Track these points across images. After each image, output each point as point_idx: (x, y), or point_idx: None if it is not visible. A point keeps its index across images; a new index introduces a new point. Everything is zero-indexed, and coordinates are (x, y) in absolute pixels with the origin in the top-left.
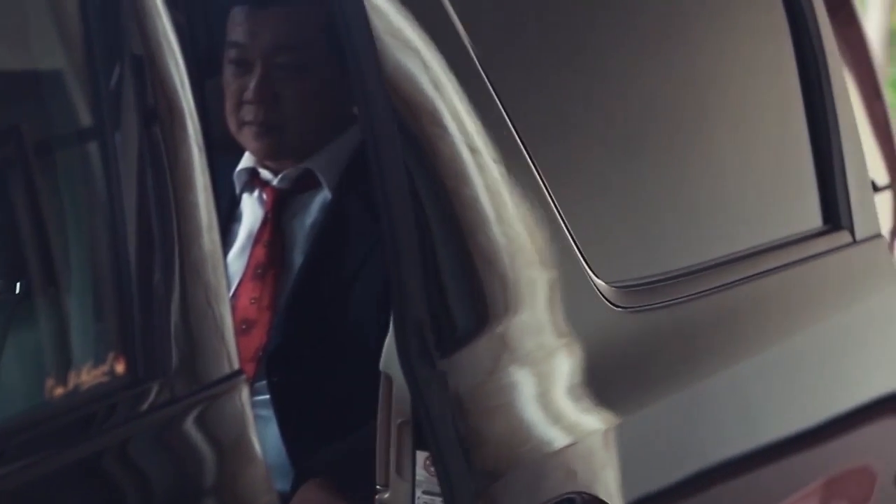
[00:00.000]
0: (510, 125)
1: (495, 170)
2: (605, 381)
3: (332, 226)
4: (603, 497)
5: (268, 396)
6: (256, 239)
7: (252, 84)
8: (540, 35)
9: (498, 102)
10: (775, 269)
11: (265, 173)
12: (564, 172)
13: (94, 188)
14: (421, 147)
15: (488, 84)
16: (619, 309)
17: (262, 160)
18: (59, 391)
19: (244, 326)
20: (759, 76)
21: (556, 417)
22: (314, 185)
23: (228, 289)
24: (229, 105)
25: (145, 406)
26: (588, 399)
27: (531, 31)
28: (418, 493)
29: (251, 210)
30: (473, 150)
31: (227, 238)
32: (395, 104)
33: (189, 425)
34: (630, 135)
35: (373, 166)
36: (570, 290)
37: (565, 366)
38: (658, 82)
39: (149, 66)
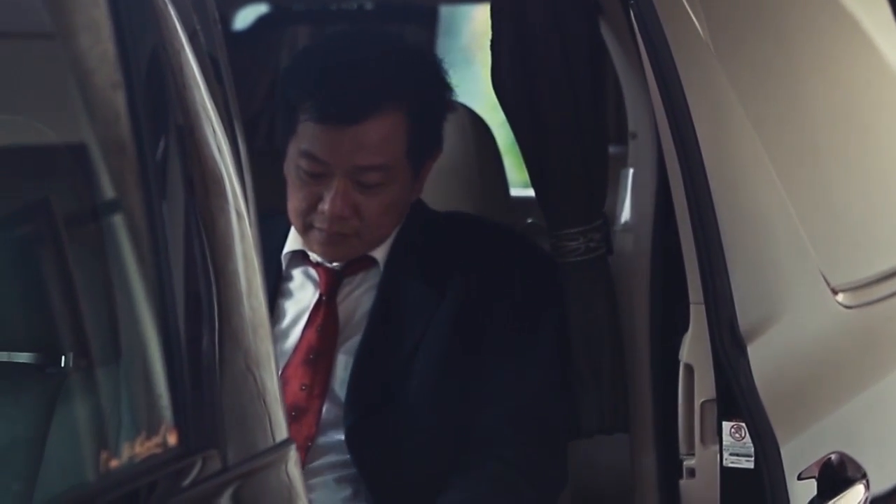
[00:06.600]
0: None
1: (775, 186)
2: (846, 364)
3: (390, 303)
4: (853, 456)
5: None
6: (309, 321)
7: (329, 196)
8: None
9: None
10: None
11: (316, 256)
12: (800, 191)
13: (138, 259)
14: (722, 165)
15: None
16: (843, 307)
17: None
18: (114, 463)
19: (293, 413)
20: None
21: (818, 391)
22: (368, 265)
23: (276, 357)
24: (296, 204)
25: (195, 477)
26: (837, 379)
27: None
28: (725, 455)
29: (301, 288)
30: (770, 186)
31: (273, 313)
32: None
33: (237, 496)
34: (836, 164)
35: (683, 178)
36: (817, 293)
37: (821, 352)
38: (847, 123)
39: (187, 137)
